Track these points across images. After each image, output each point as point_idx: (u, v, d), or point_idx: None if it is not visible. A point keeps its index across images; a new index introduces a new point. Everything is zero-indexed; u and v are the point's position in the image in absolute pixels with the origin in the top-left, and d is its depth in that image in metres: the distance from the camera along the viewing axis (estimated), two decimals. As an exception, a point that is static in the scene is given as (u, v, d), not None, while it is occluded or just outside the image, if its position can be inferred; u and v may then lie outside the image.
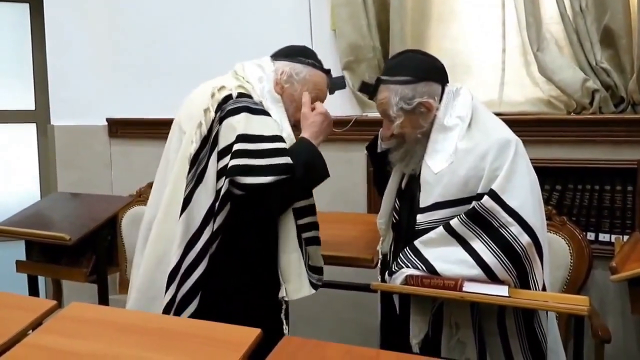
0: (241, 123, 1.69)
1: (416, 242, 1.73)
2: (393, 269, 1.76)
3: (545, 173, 2.53)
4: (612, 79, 2.37)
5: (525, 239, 1.62)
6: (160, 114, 3.19)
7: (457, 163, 1.71)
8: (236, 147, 1.68)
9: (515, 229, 1.63)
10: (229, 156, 1.69)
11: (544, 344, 1.72)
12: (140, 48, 3.30)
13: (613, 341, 2.08)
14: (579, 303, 1.60)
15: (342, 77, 1.97)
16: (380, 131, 1.91)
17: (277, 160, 1.69)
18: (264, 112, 1.75)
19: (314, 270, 1.85)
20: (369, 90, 1.86)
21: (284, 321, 1.79)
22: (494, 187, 1.65)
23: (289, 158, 1.71)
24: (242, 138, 1.68)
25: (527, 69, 2.61)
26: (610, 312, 2.44)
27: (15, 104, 3.82)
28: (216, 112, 1.73)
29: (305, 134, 1.81)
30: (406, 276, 1.69)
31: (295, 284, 1.77)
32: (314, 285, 1.82)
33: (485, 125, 1.76)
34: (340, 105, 2.86)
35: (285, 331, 1.80)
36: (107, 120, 3.40)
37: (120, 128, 3.39)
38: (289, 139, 1.78)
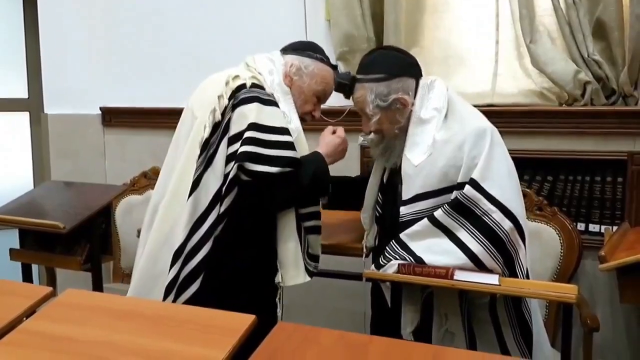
0: (253, 112, 1.75)
1: (402, 235, 1.75)
2: (381, 262, 1.77)
3: (537, 164, 2.55)
4: (603, 71, 2.39)
5: (507, 224, 1.66)
6: (154, 104, 3.19)
7: (436, 154, 1.74)
8: (247, 134, 1.73)
9: (497, 215, 1.66)
10: (239, 142, 1.74)
11: (531, 328, 1.76)
12: (135, 37, 3.29)
13: (602, 330, 2.11)
14: (567, 291, 1.63)
15: (349, 73, 2.00)
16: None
17: (284, 153, 1.75)
18: (275, 104, 1.82)
19: (311, 257, 1.90)
20: (344, 89, 1.90)
21: (278, 304, 1.85)
22: (473, 176, 1.68)
23: (296, 152, 1.78)
24: (253, 126, 1.74)
25: (520, 61, 2.62)
26: (600, 302, 2.47)
27: (8, 92, 3.80)
28: (229, 99, 1.79)
29: (320, 149, 1.90)
30: (399, 265, 1.71)
31: (291, 271, 1.83)
32: (310, 273, 1.87)
33: (461, 115, 1.79)
34: (334, 95, 2.86)
35: (279, 313, 1.85)
36: (101, 109, 3.39)
37: (114, 117, 3.39)
38: (297, 130, 1.84)
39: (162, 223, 1.80)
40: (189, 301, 1.72)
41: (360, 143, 2.75)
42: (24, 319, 1.29)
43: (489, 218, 1.66)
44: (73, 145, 3.39)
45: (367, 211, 2.00)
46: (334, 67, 1.97)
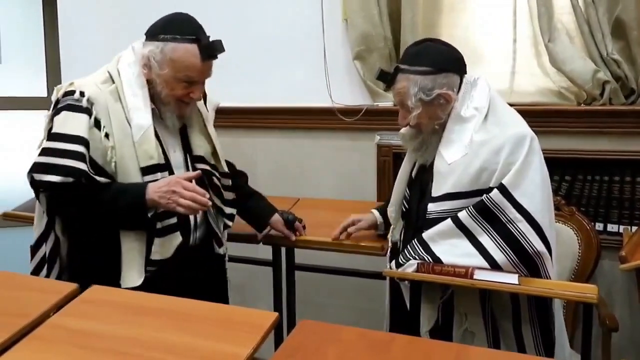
0: (58, 122, 1.80)
1: (424, 235, 1.74)
2: (400, 261, 1.77)
3: (555, 164, 2.54)
4: (622, 70, 2.37)
5: (539, 245, 1.64)
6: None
7: (472, 155, 1.72)
8: (44, 144, 1.79)
9: (522, 225, 1.64)
10: None
11: (553, 332, 1.75)
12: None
13: (620, 330, 2.11)
14: (587, 292, 1.63)
15: (218, 41, 1.84)
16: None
17: (68, 162, 1.74)
18: (84, 110, 1.79)
19: (150, 262, 1.83)
20: (386, 79, 1.85)
21: None
22: (504, 181, 1.66)
23: (82, 164, 1.74)
24: (49, 136, 1.80)
25: (538, 60, 2.60)
26: (618, 302, 2.46)
27: (28, 91, 3.84)
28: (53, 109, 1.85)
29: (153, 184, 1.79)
30: (418, 264, 1.71)
31: (124, 272, 1.80)
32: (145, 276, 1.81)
33: (502, 118, 1.77)
34: (350, 94, 2.88)
35: None
36: (119, 107, 3.42)
37: (131, 115, 3.41)
38: (142, 127, 1.80)
39: None
40: None
41: (377, 142, 2.78)
42: (51, 314, 1.31)
43: (514, 227, 1.64)
44: (91, 143, 3.41)
45: (393, 205, 1.97)
46: (195, 40, 1.81)
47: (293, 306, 2.55)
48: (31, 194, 2.67)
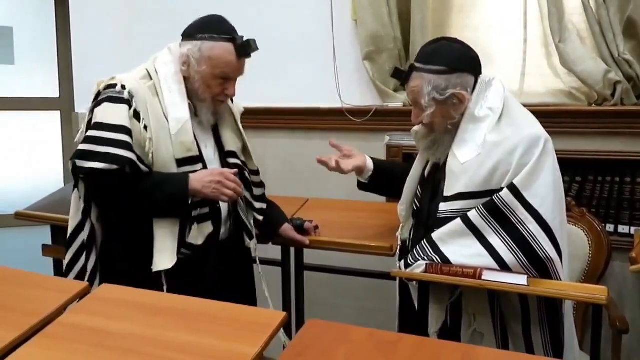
0: (100, 112, 1.84)
1: (433, 235, 1.74)
2: (409, 261, 1.77)
3: (565, 164, 2.51)
4: (634, 70, 2.36)
5: (549, 248, 1.63)
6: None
7: (485, 155, 1.72)
8: (87, 133, 1.84)
9: (533, 227, 1.64)
10: None
11: (562, 334, 1.74)
12: (166, 36, 3.32)
13: (631, 332, 2.09)
14: (597, 293, 1.62)
15: (253, 40, 1.92)
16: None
17: (113, 150, 1.78)
18: (125, 101, 1.84)
19: (187, 246, 1.88)
20: (401, 77, 1.86)
21: (165, 286, 1.84)
22: (515, 181, 1.65)
23: (128, 152, 1.79)
24: (93, 125, 1.83)
25: (548, 60, 2.60)
26: (629, 304, 2.45)
27: (40, 92, 3.88)
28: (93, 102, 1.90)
29: (194, 174, 1.86)
30: (426, 264, 1.71)
31: (156, 256, 1.84)
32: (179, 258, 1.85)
33: (517, 119, 1.76)
34: (360, 95, 2.88)
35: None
36: (130, 108, 3.44)
37: (142, 116, 3.43)
38: (180, 120, 1.85)
39: None
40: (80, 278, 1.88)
41: (387, 142, 2.78)
42: (62, 312, 1.32)
43: (524, 228, 1.64)
44: (102, 143, 3.44)
45: (404, 203, 1.97)
46: (231, 40, 1.89)
47: (302, 306, 2.56)
48: (40, 194, 2.75)
